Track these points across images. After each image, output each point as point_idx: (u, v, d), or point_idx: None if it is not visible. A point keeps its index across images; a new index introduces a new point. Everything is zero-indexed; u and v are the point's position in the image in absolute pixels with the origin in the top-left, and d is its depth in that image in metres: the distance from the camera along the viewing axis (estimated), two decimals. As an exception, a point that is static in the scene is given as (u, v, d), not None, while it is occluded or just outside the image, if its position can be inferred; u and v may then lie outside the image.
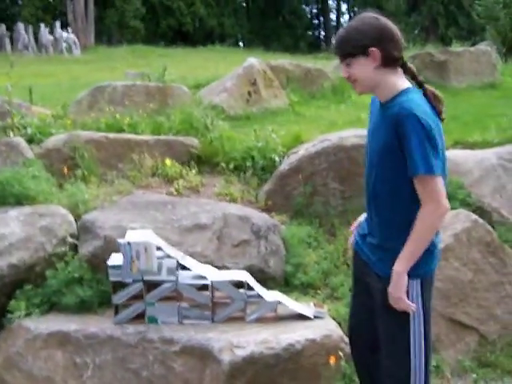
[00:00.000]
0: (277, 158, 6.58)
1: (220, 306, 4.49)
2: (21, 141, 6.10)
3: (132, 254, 4.26)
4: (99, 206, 5.39)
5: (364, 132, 6.19)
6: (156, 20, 43.72)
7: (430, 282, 3.20)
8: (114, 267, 4.35)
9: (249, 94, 9.69)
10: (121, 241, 4.29)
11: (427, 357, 3.19)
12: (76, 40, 28.80)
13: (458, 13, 40.50)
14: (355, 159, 5.99)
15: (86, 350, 4.27)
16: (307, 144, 6.52)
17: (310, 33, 59.71)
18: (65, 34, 28.30)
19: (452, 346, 4.79)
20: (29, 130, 6.61)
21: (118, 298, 4.39)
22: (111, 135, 6.60)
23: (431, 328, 3.20)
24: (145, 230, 4.59)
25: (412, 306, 3.04)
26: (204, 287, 4.43)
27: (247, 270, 4.74)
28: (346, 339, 4.37)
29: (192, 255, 4.69)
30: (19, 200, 5.18)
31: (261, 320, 4.48)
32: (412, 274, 3.02)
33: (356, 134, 6.21)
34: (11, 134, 6.35)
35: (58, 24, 28.67)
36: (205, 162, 6.78)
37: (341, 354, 4.17)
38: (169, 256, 4.39)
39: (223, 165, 6.60)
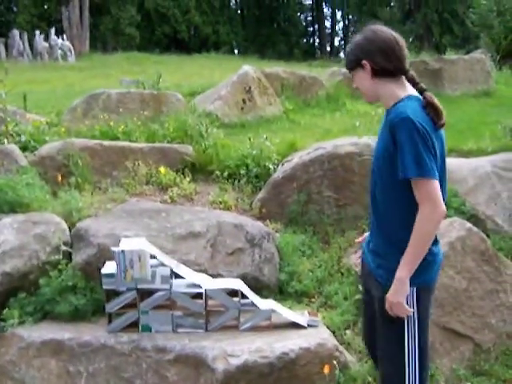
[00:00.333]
0: (271, 166, 6.59)
1: (214, 315, 4.48)
2: (15, 148, 6.10)
3: (126, 263, 4.25)
4: (93, 213, 5.39)
5: (359, 140, 6.24)
6: (151, 27, 43.72)
7: (428, 292, 3.20)
8: (107, 275, 4.33)
9: (243, 101, 9.71)
10: (115, 249, 4.27)
11: (422, 365, 3.19)
12: (71, 47, 28.75)
13: (452, 21, 40.59)
14: (350, 167, 6.00)
15: (79, 358, 4.25)
16: (302, 152, 6.52)
17: (305, 40, 59.81)
18: (60, 41, 28.24)
19: (447, 355, 4.78)
20: (23, 138, 6.61)
21: (112, 306, 4.37)
22: (105, 143, 6.60)
23: (428, 336, 3.21)
24: (139, 238, 4.58)
25: (409, 311, 3.04)
26: (198, 295, 4.42)
27: (241, 278, 4.74)
28: (341, 348, 4.38)
29: (186, 263, 4.68)
30: (13, 207, 5.18)
31: (255, 328, 4.47)
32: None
33: (351, 142, 6.21)
34: (5, 142, 6.34)
35: (53, 31, 28.63)
36: (199, 170, 6.78)
37: (335, 362, 4.15)
38: (163, 264, 4.37)
39: (217, 172, 6.60)
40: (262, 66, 12.60)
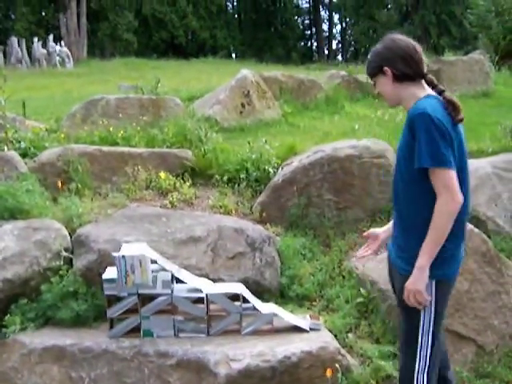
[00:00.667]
0: (271, 170, 6.58)
1: (215, 319, 4.47)
2: (15, 155, 6.10)
3: (127, 268, 4.25)
4: (93, 219, 5.38)
5: (358, 143, 6.24)
6: (148, 33, 43.72)
7: (447, 286, 3.27)
8: (108, 281, 4.33)
9: (242, 105, 9.71)
10: (115, 254, 4.27)
11: (432, 361, 3.28)
12: (69, 53, 28.74)
13: (450, 22, 40.69)
14: (349, 170, 6.00)
15: (81, 364, 4.25)
16: (301, 155, 6.52)
17: (302, 44, 59.78)
18: (58, 48, 28.25)
19: (449, 357, 4.77)
20: (22, 144, 6.62)
21: (113, 311, 4.37)
22: (105, 148, 6.59)
23: (441, 332, 3.33)
24: (139, 244, 4.57)
25: (427, 299, 3.12)
26: (199, 300, 4.41)
27: (242, 282, 4.73)
28: (343, 351, 4.36)
29: (187, 268, 4.68)
30: (13, 214, 5.17)
31: (257, 332, 4.46)
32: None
33: (350, 145, 6.21)
34: (5, 148, 6.34)
35: (51, 38, 28.63)
36: (199, 175, 6.78)
37: (337, 366, 4.14)
38: (164, 269, 4.37)
39: (217, 177, 6.59)
40: (260, 70, 12.62)
